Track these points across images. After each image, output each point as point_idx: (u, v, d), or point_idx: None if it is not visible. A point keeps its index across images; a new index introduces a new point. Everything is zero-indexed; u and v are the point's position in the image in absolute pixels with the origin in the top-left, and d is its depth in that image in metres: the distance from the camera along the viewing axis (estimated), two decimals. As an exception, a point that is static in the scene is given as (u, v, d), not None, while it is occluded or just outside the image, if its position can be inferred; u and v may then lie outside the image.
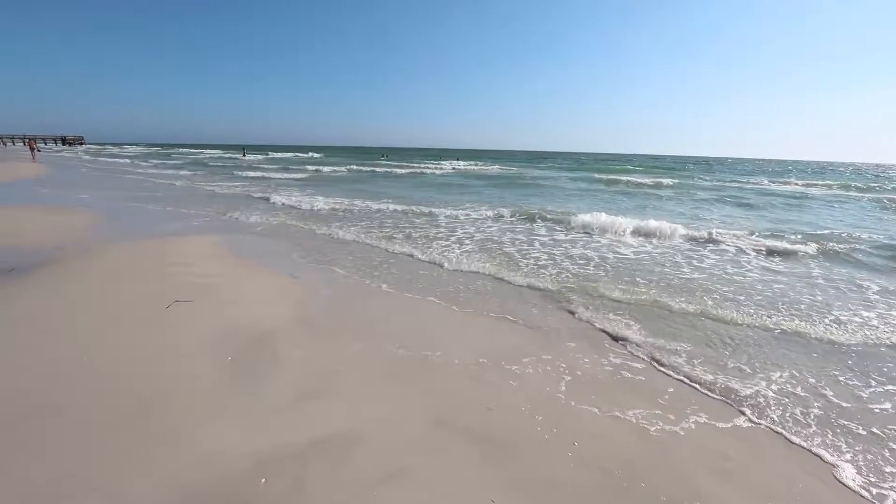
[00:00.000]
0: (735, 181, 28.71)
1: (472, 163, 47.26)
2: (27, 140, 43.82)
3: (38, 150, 44.34)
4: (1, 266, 5.21)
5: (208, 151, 67.27)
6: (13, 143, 67.36)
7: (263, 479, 2.10)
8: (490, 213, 11.19)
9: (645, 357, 3.68)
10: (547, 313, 4.57)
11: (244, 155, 52.66)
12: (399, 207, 11.68)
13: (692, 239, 8.42)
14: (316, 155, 57.44)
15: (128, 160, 37.55)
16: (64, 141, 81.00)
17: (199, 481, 2.08)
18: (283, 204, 12.35)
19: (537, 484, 2.20)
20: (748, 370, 3.49)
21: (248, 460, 2.22)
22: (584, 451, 2.46)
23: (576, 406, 2.91)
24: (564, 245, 7.70)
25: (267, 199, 13.15)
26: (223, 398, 2.76)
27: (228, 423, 2.52)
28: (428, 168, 35.80)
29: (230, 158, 44.87)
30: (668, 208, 14.55)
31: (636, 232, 8.87)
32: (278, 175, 23.48)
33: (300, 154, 61.25)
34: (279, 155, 57.02)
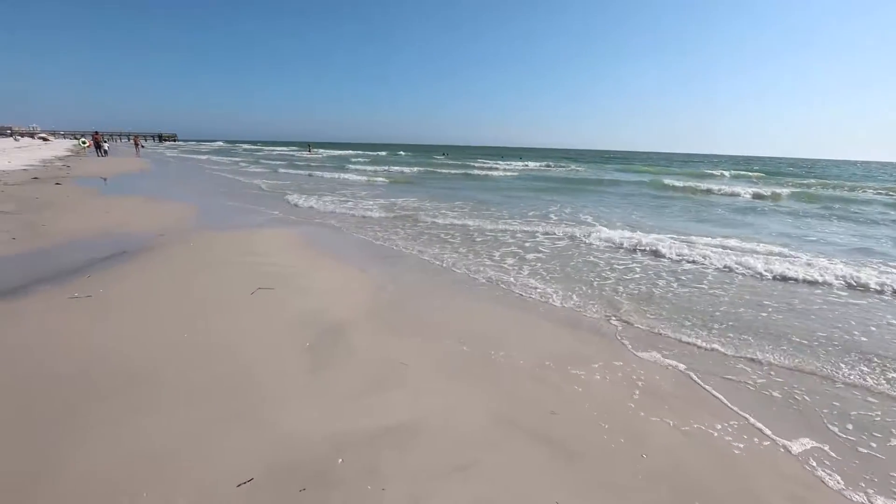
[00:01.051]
0: (858, 189, 23.85)
1: (544, 163, 44.74)
2: (133, 137, 49.21)
3: (142, 146, 49.76)
4: (115, 249, 5.93)
5: (277, 148, 71.82)
6: (121, 140, 76.12)
7: (340, 460, 2.26)
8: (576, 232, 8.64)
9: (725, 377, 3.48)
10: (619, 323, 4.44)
11: (310, 151, 55.41)
12: (489, 226, 9.15)
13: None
14: (382, 153, 58.40)
15: (207, 156, 40.96)
16: (161, 138, 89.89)
17: (283, 455, 2.28)
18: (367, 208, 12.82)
19: (603, 491, 2.18)
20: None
21: (327, 441, 2.40)
22: (653, 463, 2.39)
23: (646, 417, 2.83)
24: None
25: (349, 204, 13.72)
26: (303, 381, 2.99)
27: (308, 404, 2.73)
28: (495, 168, 35.54)
29: (297, 157, 47.30)
30: (824, 232, 10.26)
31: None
32: (356, 176, 23.65)
33: (367, 151, 63.66)
34: (344, 152, 59.52)
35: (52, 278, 4.70)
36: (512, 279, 5.55)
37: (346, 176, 21.49)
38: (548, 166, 40.20)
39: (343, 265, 5.77)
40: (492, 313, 4.47)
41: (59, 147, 43.65)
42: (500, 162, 43.34)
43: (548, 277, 5.69)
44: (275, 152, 56.13)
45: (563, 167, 39.63)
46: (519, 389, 3.08)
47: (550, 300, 4.87)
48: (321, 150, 59.86)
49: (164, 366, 3.05)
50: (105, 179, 15.89)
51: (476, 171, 28.45)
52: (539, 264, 6.27)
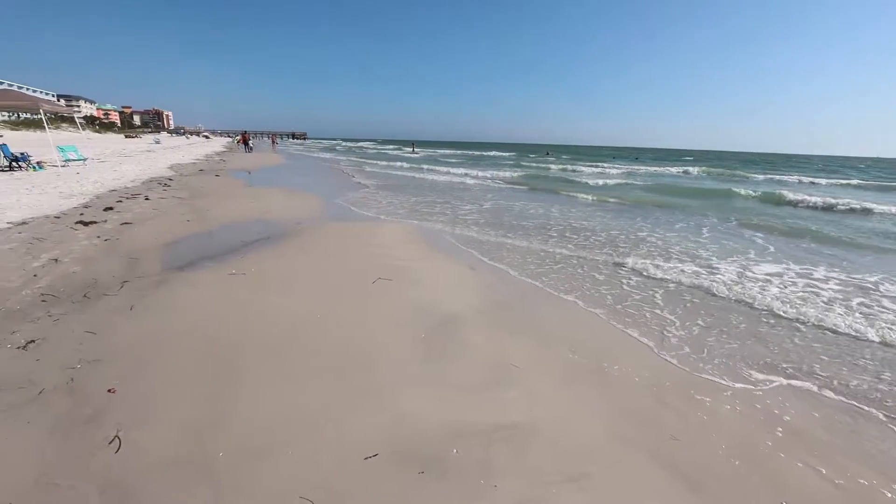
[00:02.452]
0: None
1: (668, 166, 39.23)
2: (271, 136, 56.15)
3: (277, 143, 56.60)
4: (261, 234, 6.84)
5: (385, 147, 76.66)
6: (262, 137, 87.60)
7: (455, 450, 2.36)
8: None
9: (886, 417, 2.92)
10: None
11: (413, 150, 57.86)
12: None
13: None
14: (496, 154, 58.20)
15: (331, 154, 44.93)
16: (293, 136, 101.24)
17: (402, 436, 2.45)
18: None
19: (736, 534, 1.98)
20: None
21: (441, 429, 2.52)
22: (797, 514, 2.11)
23: (788, 460, 2.50)
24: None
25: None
26: (419, 369, 3.16)
27: (424, 391, 2.89)
28: (612, 168, 33.60)
29: (404, 155, 49.61)
30: None
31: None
32: (467, 171, 24.55)
33: (471, 151, 64.74)
34: (447, 151, 61.08)
35: (215, 256, 5.58)
36: (625, 294, 5.24)
37: (457, 179, 21.72)
38: (685, 172, 33.74)
39: (453, 262, 5.95)
40: (604, 325, 4.28)
41: (218, 144, 51.57)
42: (613, 164, 40.79)
43: (661, 304, 5.26)
44: (384, 150, 59.97)
45: (684, 169, 35.48)
46: (636, 407, 2.92)
47: (669, 320, 4.51)
48: (418, 150, 62.31)
49: (302, 340, 3.46)
50: (250, 172, 18.36)
51: (580, 178, 26.37)
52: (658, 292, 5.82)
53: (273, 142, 55.00)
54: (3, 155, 13.40)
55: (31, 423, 2.36)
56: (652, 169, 35.06)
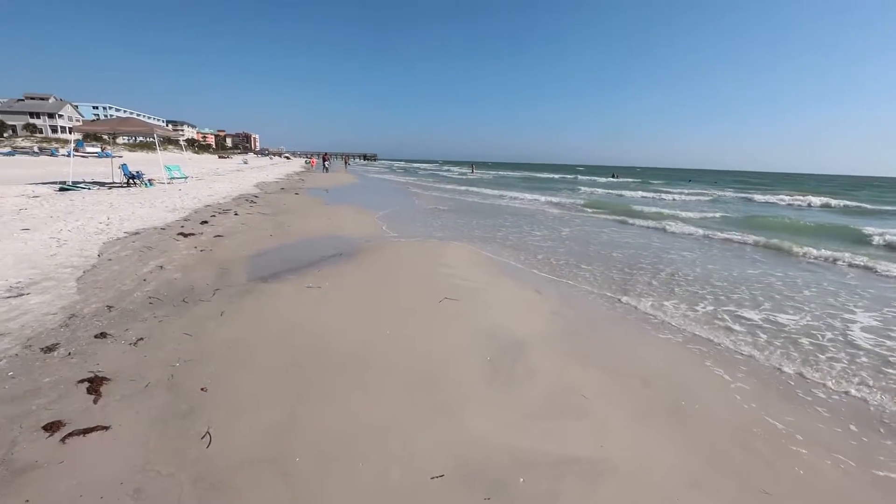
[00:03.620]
0: None
1: (762, 193, 32.18)
2: (344, 157, 59.66)
3: (349, 164, 60.04)
4: (335, 250, 7.21)
5: (447, 167, 78.33)
6: (336, 158, 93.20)
7: (522, 479, 2.30)
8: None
9: None
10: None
11: (472, 171, 58.55)
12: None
13: None
14: (562, 176, 56.73)
15: (401, 175, 46.51)
16: (365, 157, 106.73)
17: (468, 458, 2.43)
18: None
19: None
20: None
21: (508, 455, 2.47)
22: None
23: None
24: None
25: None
26: (485, 392, 3.14)
27: (491, 414, 2.86)
28: (697, 193, 30.87)
29: (467, 177, 49.95)
30: None
31: None
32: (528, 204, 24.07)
33: (536, 172, 64.09)
34: (513, 173, 60.86)
35: (294, 269, 5.96)
36: (709, 325, 4.88)
37: (524, 204, 20.63)
38: (784, 200, 26.60)
39: (519, 285, 5.89)
40: (680, 358, 4.01)
41: (297, 164, 55.59)
42: (693, 188, 38.28)
43: (756, 332, 4.83)
44: (447, 171, 61.32)
45: (804, 200, 26.53)
46: (720, 452, 2.68)
47: (756, 358, 4.13)
48: (478, 171, 62.75)
49: (373, 355, 3.57)
50: (327, 190, 19.52)
51: (665, 205, 23.57)
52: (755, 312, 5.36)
53: (346, 162, 58.64)
54: (123, 173, 15.39)
55: (139, 413, 2.64)
56: (742, 195, 30.41)
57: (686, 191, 33.24)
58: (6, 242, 6.05)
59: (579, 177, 54.66)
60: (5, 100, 78.83)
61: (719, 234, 11.51)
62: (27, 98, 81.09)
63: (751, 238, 10.86)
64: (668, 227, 12.73)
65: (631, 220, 13.99)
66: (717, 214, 17.58)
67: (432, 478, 2.26)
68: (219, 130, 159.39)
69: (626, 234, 11.19)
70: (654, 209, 17.76)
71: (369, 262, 6.54)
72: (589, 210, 17.57)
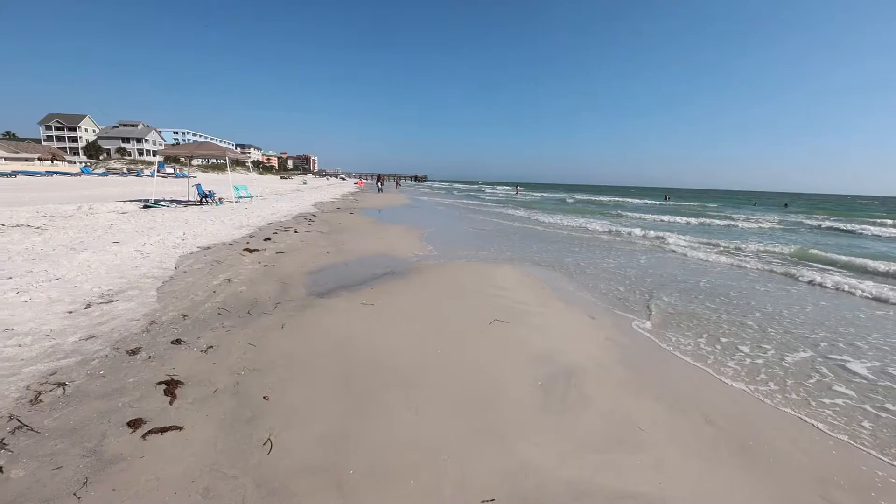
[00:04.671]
0: None
1: (863, 221, 27.56)
2: (396, 178, 61.74)
3: (399, 184, 61.96)
4: (387, 269, 7.42)
5: (495, 187, 78.13)
6: (387, 179, 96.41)
7: (576, 510, 2.23)
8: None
9: None
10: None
11: (517, 192, 58.25)
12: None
13: None
14: (614, 199, 52.43)
15: (452, 196, 47.10)
16: (416, 178, 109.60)
17: (520, 485, 2.39)
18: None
19: None
20: None
21: (561, 486, 2.41)
22: None
23: None
24: None
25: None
26: (538, 417, 3.09)
27: (543, 441, 2.80)
28: (774, 219, 26.56)
29: (512, 197, 49.56)
30: None
31: None
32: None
33: (588, 195, 62.57)
34: (566, 196, 59.69)
35: (349, 286, 6.18)
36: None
37: (567, 229, 18.51)
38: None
39: (573, 310, 5.76)
40: (746, 396, 3.74)
41: (351, 184, 57.98)
42: (763, 212, 35.43)
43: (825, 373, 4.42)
44: (496, 191, 61.30)
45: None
46: (794, 499, 2.46)
47: (847, 400, 3.77)
48: (522, 191, 62.42)
49: (424, 373, 3.62)
50: (380, 210, 20.18)
51: (747, 232, 19.56)
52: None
53: (396, 183, 60.65)
54: (197, 192, 16.76)
55: (209, 416, 2.83)
56: (838, 224, 24.96)
57: (763, 216, 29.43)
58: (101, 254, 6.75)
59: (629, 199, 52.45)
60: (104, 127, 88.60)
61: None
62: (120, 125, 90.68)
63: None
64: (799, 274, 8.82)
65: (710, 255, 11.13)
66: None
67: (483, 502, 2.25)
68: (282, 153, 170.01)
69: (713, 273, 10.65)
70: (738, 243, 13.47)
71: (420, 281, 6.67)
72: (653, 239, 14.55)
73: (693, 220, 23.43)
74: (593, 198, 54.89)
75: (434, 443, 2.71)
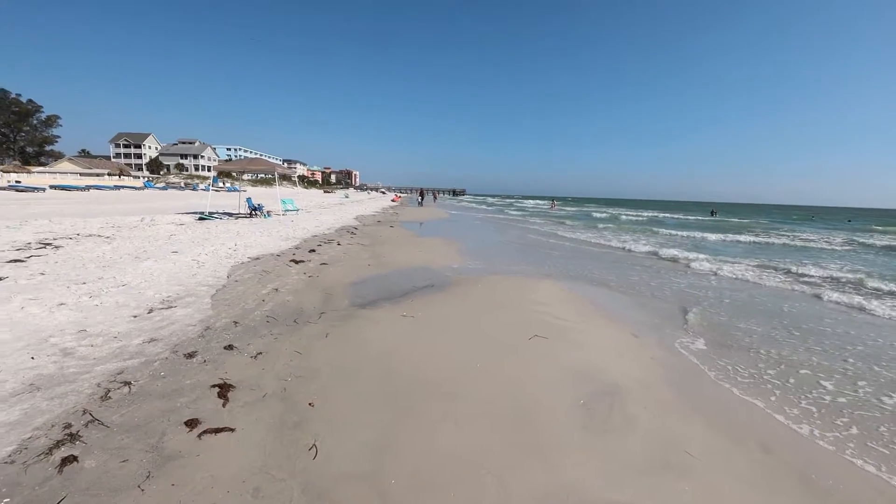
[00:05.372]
0: None
1: None
2: (433, 192, 62.48)
3: (436, 198, 62.74)
4: (426, 281, 7.50)
5: (526, 201, 77.64)
6: (427, 193, 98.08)
7: (621, 534, 2.15)
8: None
9: None
10: None
11: (553, 206, 57.45)
12: None
13: None
14: (662, 215, 51.22)
15: (484, 208, 46.97)
16: (454, 192, 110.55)
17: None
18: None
19: None
20: None
21: (605, 508, 2.34)
22: None
23: None
24: None
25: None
26: (580, 436, 3.02)
27: (586, 460, 2.74)
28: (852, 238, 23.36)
29: (549, 211, 48.68)
30: None
31: None
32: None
33: (641, 210, 60.63)
34: (623, 211, 58.11)
35: (390, 297, 6.30)
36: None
37: (605, 246, 19.02)
38: None
39: (615, 327, 5.61)
40: (802, 427, 3.49)
41: (390, 198, 59.19)
42: (828, 229, 32.73)
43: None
44: (539, 205, 60.66)
45: None
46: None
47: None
48: (558, 205, 61.64)
49: (464, 386, 3.63)
50: (420, 224, 20.48)
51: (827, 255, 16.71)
52: None
53: (434, 197, 61.52)
54: (248, 206, 17.65)
55: (258, 420, 2.96)
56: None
57: (828, 233, 26.78)
58: (161, 263, 7.23)
59: (674, 215, 50.13)
60: (164, 144, 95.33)
61: None
62: (180, 142, 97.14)
63: None
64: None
65: (769, 278, 9.84)
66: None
67: (524, 519, 2.22)
68: (325, 167, 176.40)
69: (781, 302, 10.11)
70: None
71: (460, 294, 6.70)
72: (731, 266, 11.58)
73: (744, 238, 22.04)
74: (635, 213, 53.11)
75: (474, 456, 2.70)
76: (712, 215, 50.56)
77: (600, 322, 5.78)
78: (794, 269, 11.36)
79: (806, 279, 10.06)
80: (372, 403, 3.28)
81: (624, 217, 41.57)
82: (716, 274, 10.31)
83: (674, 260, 12.64)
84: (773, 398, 3.91)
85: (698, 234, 22.24)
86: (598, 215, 43.09)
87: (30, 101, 63.74)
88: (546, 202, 74.78)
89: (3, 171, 43.35)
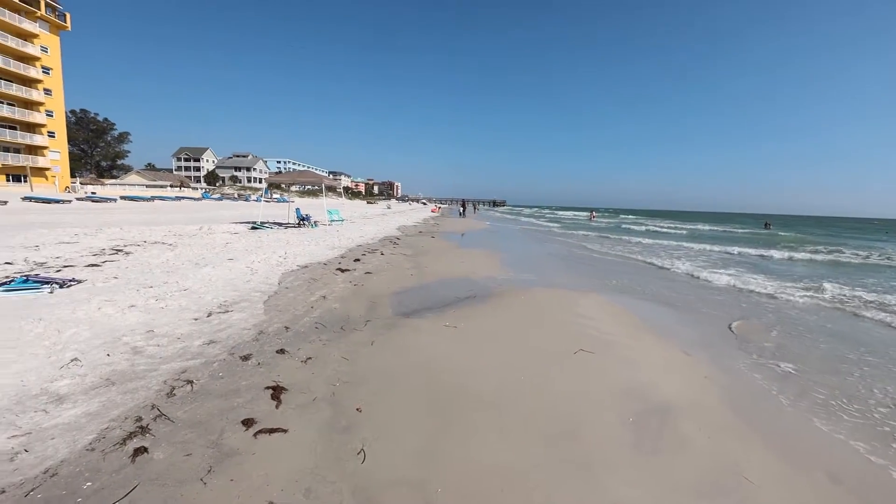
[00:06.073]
0: None
1: None
2: (474, 203, 62.61)
3: (477, 209, 62.89)
4: (468, 292, 7.52)
5: (563, 212, 76.27)
6: (468, 204, 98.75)
7: (676, 561, 2.06)
8: None
9: None
10: None
11: (592, 218, 56.04)
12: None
13: None
14: (718, 229, 47.97)
15: (525, 219, 46.42)
16: (494, 203, 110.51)
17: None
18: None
19: None
20: None
21: (657, 531, 2.24)
22: None
23: None
24: None
25: None
26: (629, 456, 2.93)
27: (635, 481, 2.65)
28: None
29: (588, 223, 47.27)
30: None
31: None
32: None
33: (691, 223, 57.98)
34: (686, 226, 55.63)
35: (432, 307, 6.36)
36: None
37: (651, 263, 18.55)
38: None
39: (665, 344, 5.39)
40: (877, 457, 3.20)
41: (430, 210, 59.91)
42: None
43: None
44: (578, 216, 59.51)
45: None
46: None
47: None
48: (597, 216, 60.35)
49: (508, 398, 3.61)
50: (462, 234, 20.58)
51: None
52: None
53: (475, 208, 61.81)
54: (296, 216, 18.41)
55: (309, 422, 3.07)
56: None
57: None
58: (219, 269, 7.67)
59: (725, 228, 46.14)
60: (220, 157, 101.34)
61: None
62: (234, 156, 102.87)
63: None
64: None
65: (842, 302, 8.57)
66: None
67: (572, 537, 2.17)
68: (368, 179, 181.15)
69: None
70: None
71: (502, 305, 6.67)
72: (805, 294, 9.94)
73: (806, 256, 19.76)
74: (680, 224, 49.80)
75: (520, 469, 2.68)
76: (766, 228, 47.03)
77: (648, 338, 5.57)
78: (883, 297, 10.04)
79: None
80: (417, 411, 3.32)
81: (666, 230, 39.33)
82: (774, 297, 9.66)
83: (727, 282, 11.99)
84: (843, 424, 3.62)
85: (752, 251, 20.04)
86: (637, 228, 40.83)
87: (105, 119, 69.76)
88: (585, 213, 73.54)
89: (82, 183, 47.53)
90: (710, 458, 2.97)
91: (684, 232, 36.75)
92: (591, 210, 79.70)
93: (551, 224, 41.84)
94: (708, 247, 21.29)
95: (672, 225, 48.67)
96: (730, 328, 6.37)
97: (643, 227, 41.84)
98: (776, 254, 18.80)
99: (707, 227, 45.89)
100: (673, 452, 3.00)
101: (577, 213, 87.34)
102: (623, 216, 78.72)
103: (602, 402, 3.66)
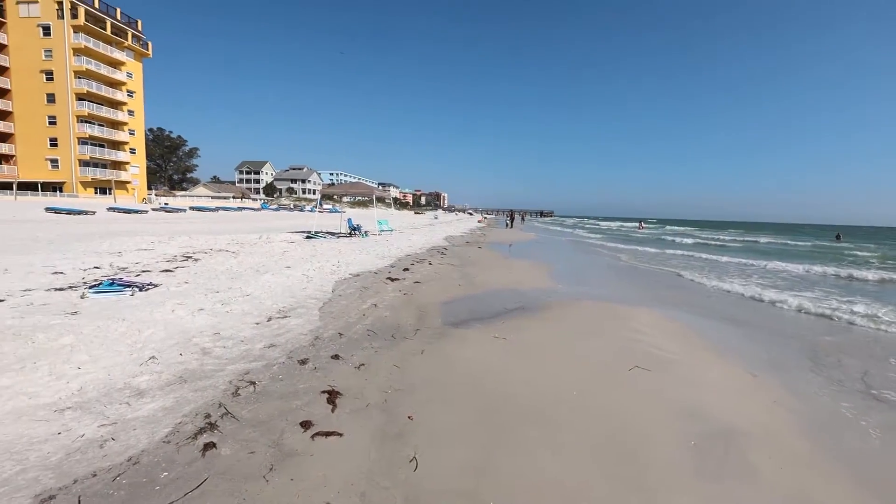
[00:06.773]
0: None
1: None
2: (522, 214, 62.27)
3: (523, 220, 62.43)
4: (517, 304, 7.44)
5: (608, 223, 73.78)
6: (516, 215, 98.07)
7: None
8: None
9: None
10: None
11: (641, 228, 53.49)
12: None
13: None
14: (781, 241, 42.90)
15: (572, 230, 45.28)
16: (542, 214, 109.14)
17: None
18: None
19: None
20: None
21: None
22: None
23: None
24: None
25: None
26: (689, 479, 2.78)
27: (699, 509, 2.49)
28: None
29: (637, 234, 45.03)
30: None
31: None
32: None
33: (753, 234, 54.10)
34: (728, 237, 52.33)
35: (481, 318, 6.35)
36: None
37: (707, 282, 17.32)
38: None
39: (728, 364, 5.06)
40: None
41: (477, 220, 60.03)
42: None
43: None
44: (624, 227, 57.44)
45: None
46: None
47: None
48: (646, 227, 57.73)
49: (560, 413, 3.53)
50: (510, 245, 20.46)
51: None
52: None
53: (522, 219, 61.42)
54: (348, 226, 19.06)
55: (363, 427, 3.15)
56: None
57: None
58: (277, 276, 8.07)
59: (789, 241, 41.01)
60: (278, 170, 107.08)
61: None
62: (290, 168, 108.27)
63: None
64: None
65: None
66: None
67: (631, 563, 2.08)
68: (416, 190, 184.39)
69: None
70: None
71: (552, 318, 6.54)
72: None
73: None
74: (737, 236, 45.29)
75: (574, 487, 2.61)
76: (837, 240, 41.83)
77: (708, 356, 5.26)
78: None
79: None
80: (467, 422, 3.32)
81: (720, 242, 35.94)
82: (852, 323, 8.80)
83: (799, 306, 11.05)
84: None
85: (829, 269, 16.94)
86: (688, 241, 37.19)
87: (179, 136, 76.04)
88: (631, 223, 71.05)
89: (156, 195, 51.90)
90: (783, 490, 2.75)
91: (739, 245, 33.88)
92: (639, 220, 76.84)
93: (597, 236, 40.22)
94: (765, 263, 18.32)
95: (725, 237, 45.08)
96: (807, 349, 5.87)
97: (693, 240, 38.51)
98: (865, 273, 14.97)
99: (765, 240, 41.66)
100: (739, 480, 2.80)
101: (623, 223, 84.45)
102: (669, 226, 75.19)
103: (660, 422, 3.49)
